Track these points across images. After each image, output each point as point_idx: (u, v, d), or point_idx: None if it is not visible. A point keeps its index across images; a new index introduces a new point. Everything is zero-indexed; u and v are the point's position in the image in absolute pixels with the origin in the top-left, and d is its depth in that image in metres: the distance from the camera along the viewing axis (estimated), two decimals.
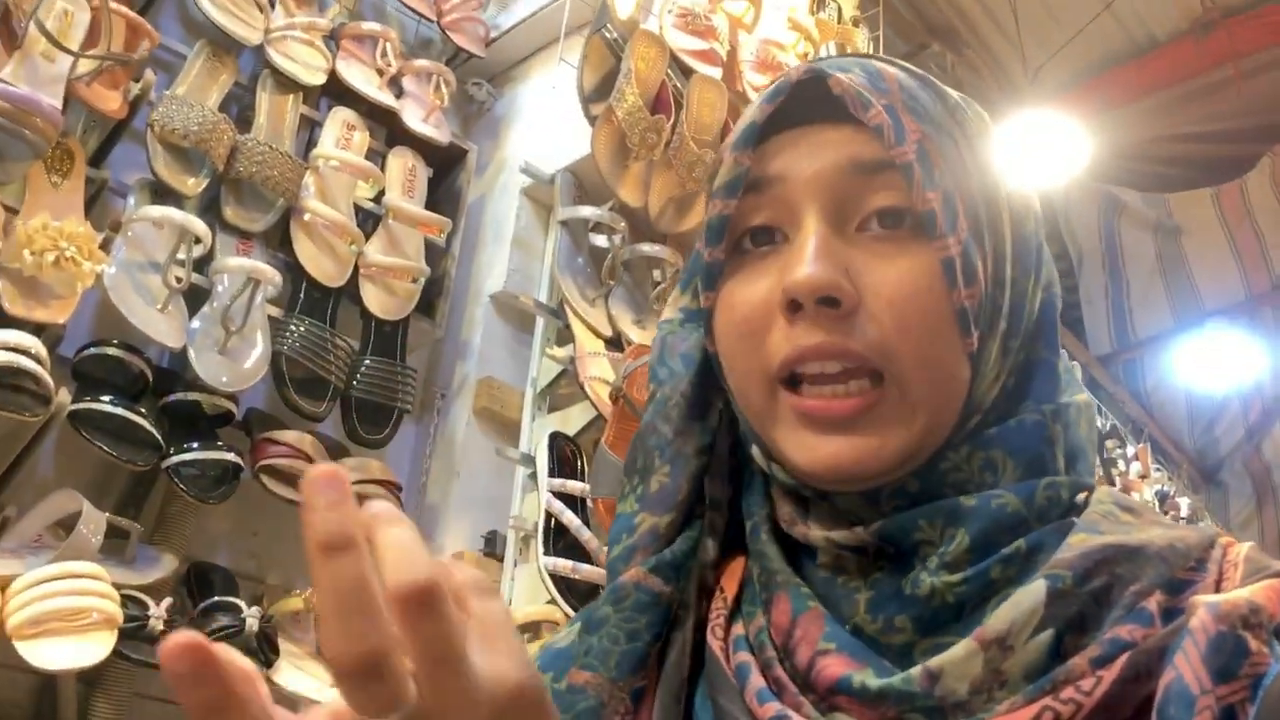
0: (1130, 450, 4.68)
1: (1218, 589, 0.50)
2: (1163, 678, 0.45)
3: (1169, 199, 4.70)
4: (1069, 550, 0.51)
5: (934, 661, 0.49)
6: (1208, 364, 5.01)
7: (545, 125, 2.46)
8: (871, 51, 2.77)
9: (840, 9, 2.71)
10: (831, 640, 0.52)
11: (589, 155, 2.20)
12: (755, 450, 0.61)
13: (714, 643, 0.57)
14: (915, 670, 0.49)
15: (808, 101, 0.58)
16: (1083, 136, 3.74)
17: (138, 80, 1.90)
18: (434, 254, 2.25)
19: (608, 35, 2.20)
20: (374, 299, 2.10)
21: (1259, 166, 4.54)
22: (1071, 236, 5.00)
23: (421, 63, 2.34)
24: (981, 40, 4.73)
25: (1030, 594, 0.49)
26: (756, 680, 0.53)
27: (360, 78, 2.23)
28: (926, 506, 0.54)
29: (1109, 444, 4.59)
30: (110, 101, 1.84)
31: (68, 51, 1.72)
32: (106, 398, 1.69)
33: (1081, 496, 0.56)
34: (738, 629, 0.57)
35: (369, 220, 2.21)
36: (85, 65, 1.78)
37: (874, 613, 0.53)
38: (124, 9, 1.86)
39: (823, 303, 0.54)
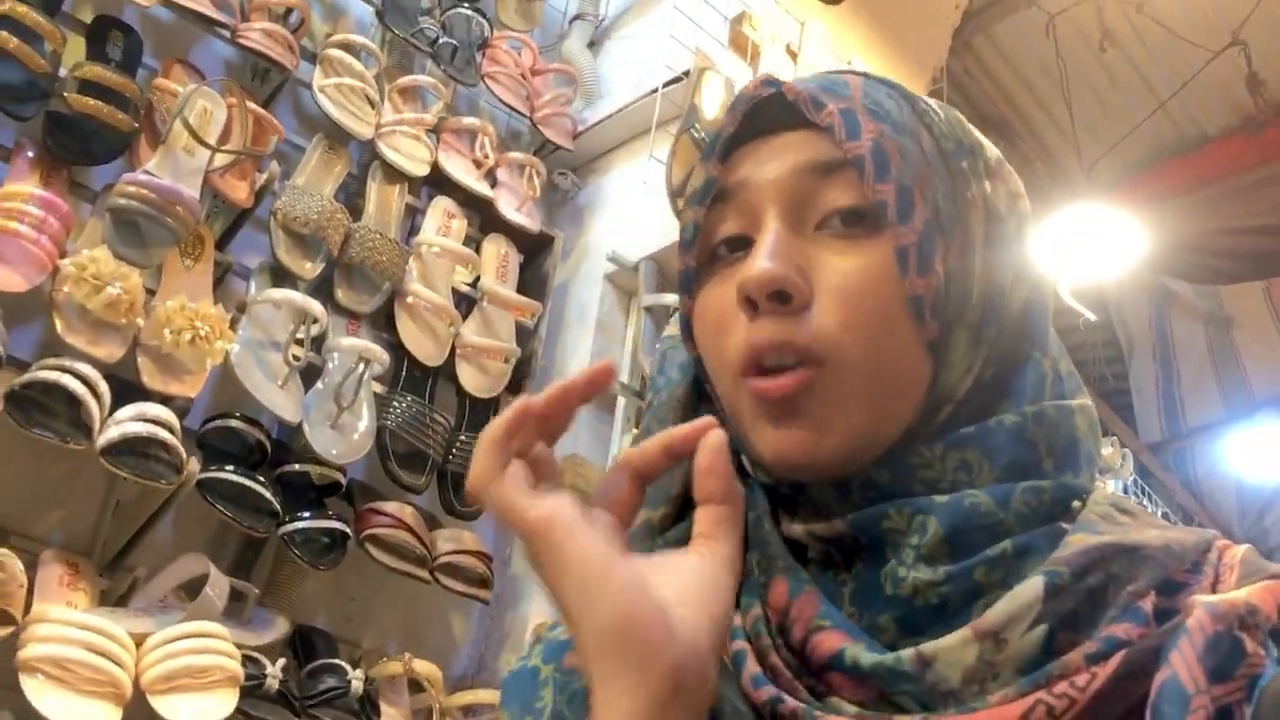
0: None
1: (1214, 590, 0.50)
2: (1158, 675, 0.45)
3: (1221, 291, 4.78)
4: (1067, 548, 0.52)
5: (927, 647, 0.50)
6: (1258, 454, 5.04)
7: (628, 215, 2.58)
8: None
9: None
10: (826, 618, 0.53)
11: (672, 245, 2.31)
12: (743, 459, 0.62)
13: None
14: (907, 651, 0.50)
15: (772, 113, 0.60)
16: (1138, 231, 3.84)
17: (261, 171, 2.05)
18: (522, 335, 2.37)
19: (695, 134, 2.33)
20: (469, 378, 2.22)
21: None
22: (1123, 325, 5.08)
23: (516, 155, 2.47)
24: (1033, 132, 4.85)
25: (1028, 588, 0.50)
26: (752, 666, 0.54)
27: (460, 169, 2.37)
28: (897, 499, 0.55)
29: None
30: (240, 191, 1.98)
31: (209, 147, 1.87)
32: (230, 467, 1.81)
33: (1075, 504, 0.56)
34: (735, 620, 0.58)
35: (462, 303, 2.33)
36: (220, 159, 1.92)
37: (858, 608, 0.54)
38: (256, 107, 2.01)
39: (774, 298, 0.55)
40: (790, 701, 0.51)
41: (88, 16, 2.00)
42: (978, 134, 0.63)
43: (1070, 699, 0.46)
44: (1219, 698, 0.44)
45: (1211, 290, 4.81)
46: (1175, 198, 4.58)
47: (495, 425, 0.52)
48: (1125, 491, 4.55)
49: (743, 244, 0.59)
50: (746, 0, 2.64)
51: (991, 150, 0.62)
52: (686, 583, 0.49)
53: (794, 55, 2.67)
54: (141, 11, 2.01)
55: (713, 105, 2.38)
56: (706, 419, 0.52)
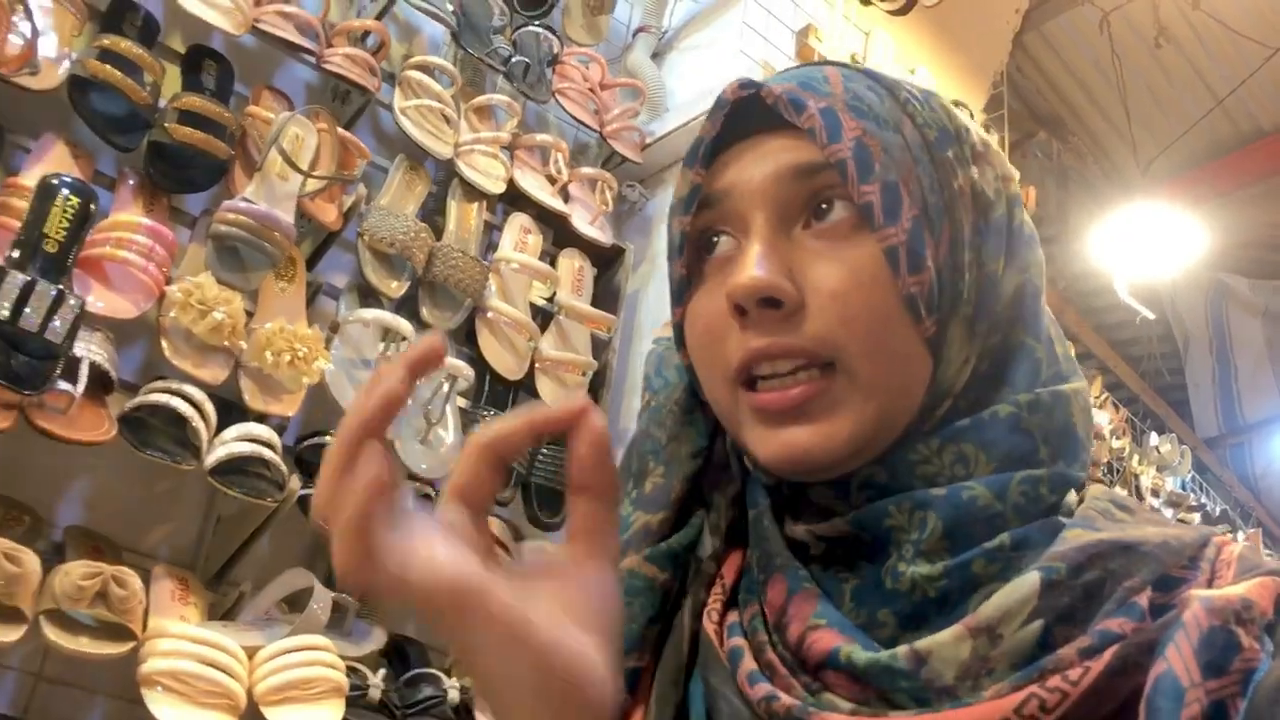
0: (1241, 536, 4.69)
1: (1210, 586, 0.50)
2: (1153, 668, 0.45)
3: (1278, 286, 4.76)
4: (1064, 544, 0.52)
5: (922, 644, 0.50)
6: None
7: None
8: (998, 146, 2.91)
9: (971, 114, 2.86)
10: (823, 617, 0.54)
11: None
12: (745, 458, 0.63)
13: (708, 625, 0.59)
14: (902, 649, 0.50)
15: (753, 115, 0.59)
16: (1197, 228, 3.84)
17: (347, 194, 2.10)
18: (597, 346, 2.42)
19: None
20: (548, 391, 2.27)
21: None
22: (1178, 321, 5.07)
23: (588, 170, 2.52)
24: (1087, 129, 4.85)
25: (1023, 584, 0.50)
26: (749, 663, 0.54)
27: (534, 184, 2.41)
28: (896, 495, 0.55)
29: (1220, 529, 4.61)
30: (329, 214, 2.04)
31: (303, 173, 1.93)
32: None
33: (1071, 497, 0.56)
34: (733, 616, 0.59)
35: (538, 316, 2.38)
36: (312, 183, 1.98)
37: (858, 604, 0.55)
38: (345, 132, 2.07)
39: (765, 305, 0.55)
40: (785, 699, 0.51)
41: (177, 43, 2.07)
42: (962, 119, 0.62)
43: (1063, 692, 0.46)
44: (1213, 691, 0.44)
45: (1270, 286, 4.79)
46: (1233, 192, 4.56)
47: (333, 473, 0.49)
48: (1183, 488, 4.55)
49: (728, 246, 0.60)
50: (812, 12, 2.67)
51: (977, 134, 0.62)
52: (587, 603, 0.51)
53: None
54: (227, 38, 2.07)
55: None
56: (581, 399, 0.50)
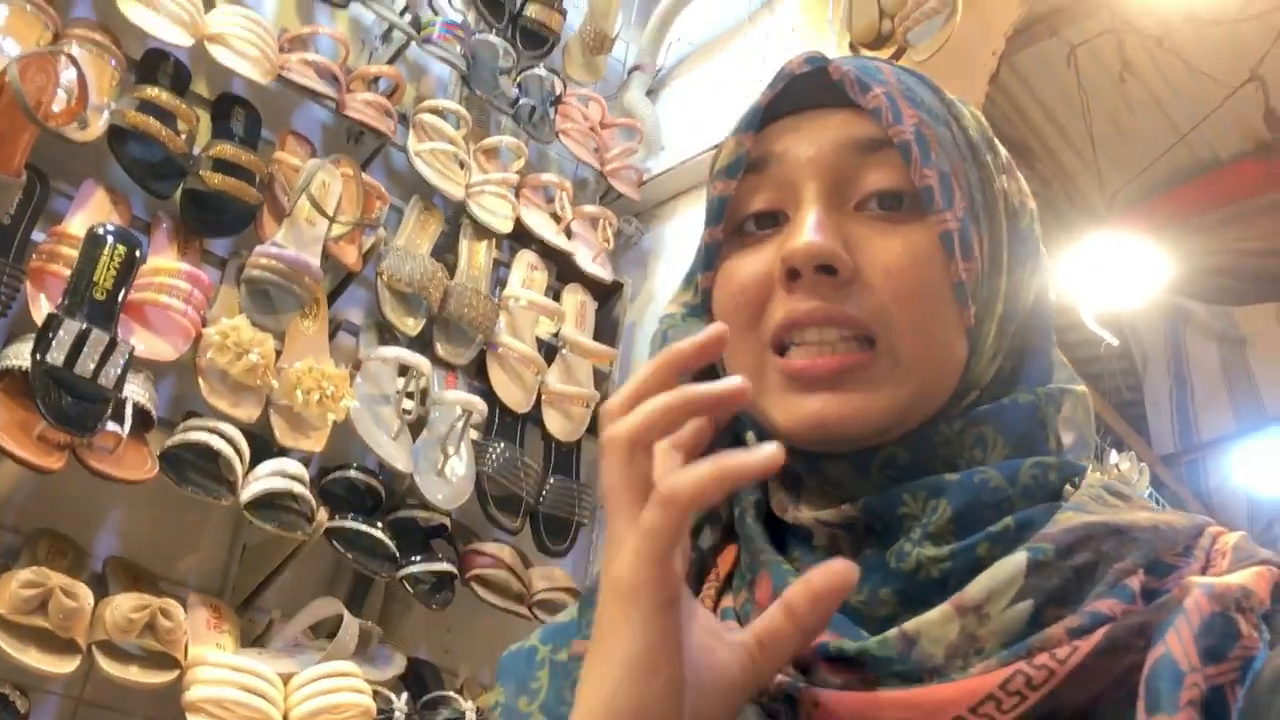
0: None
1: (1204, 574, 0.50)
2: (1152, 651, 0.45)
3: (1235, 312, 4.95)
4: (1054, 526, 0.52)
5: (910, 625, 0.50)
6: (1268, 467, 5.22)
7: (688, 261, 2.73)
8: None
9: None
10: None
11: None
12: (750, 435, 0.63)
13: None
14: (891, 633, 0.51)
15: (808, 89, 0.60)
16: (1160, 256, 4.01)
17: (366, 236, 2.20)
18: (598, 377, 2.52)
19: None
20: (554, 423, 2.37)
21: None
22: (1138, 341, 5.26)
23: (590, 208, 2.62)
24: (1053, 155, 5.01)
25: (1010, 564, 0.50)
26: None
27: (540, 223, 2.52)
28: (911, 483, 0.55)
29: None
30: (350, 255, 2.13)
31: (330, 219, 2.02)
32: (353, 515, 1.96)
33: (1068, 487, 0.57)
34: (727, 601, 0.60)
35: (542, 349, 2.48)
36: (337, 228, 2.07)
37: (860, 584, 0.53)
38: (368, 178, 2.17)
39: (821, 270, 0.55)
40: (777, 675, 0.52)
41: (202, 88, 2.15)
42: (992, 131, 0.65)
43: (1049, 670, 0.47)
44: (1212, 677, 0.44)
45: (1225, 311, 4.99)
46: (1190, 219, 4.74)
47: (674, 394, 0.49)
48: None
49: (772, 221, 0.60)
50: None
51: (1003, 149, 0.64)
52: (721, 692, 0.49)
53: None
54: (249, 82, 2.15)
55: None
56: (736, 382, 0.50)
